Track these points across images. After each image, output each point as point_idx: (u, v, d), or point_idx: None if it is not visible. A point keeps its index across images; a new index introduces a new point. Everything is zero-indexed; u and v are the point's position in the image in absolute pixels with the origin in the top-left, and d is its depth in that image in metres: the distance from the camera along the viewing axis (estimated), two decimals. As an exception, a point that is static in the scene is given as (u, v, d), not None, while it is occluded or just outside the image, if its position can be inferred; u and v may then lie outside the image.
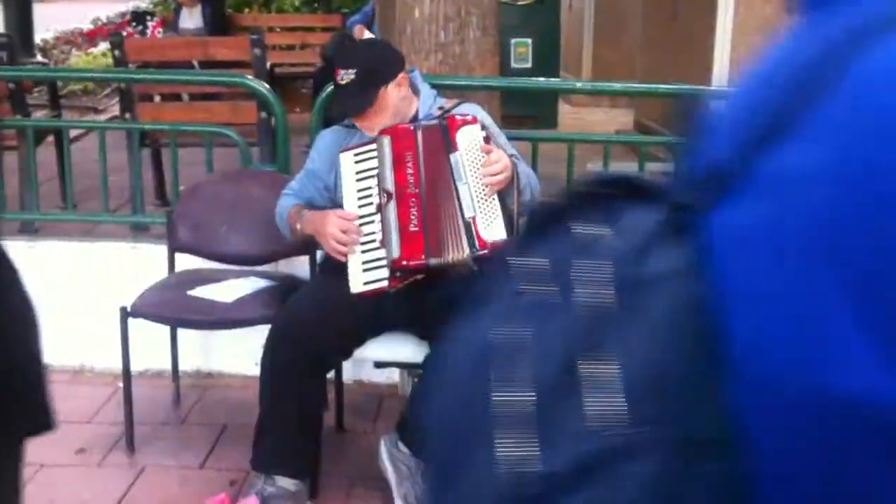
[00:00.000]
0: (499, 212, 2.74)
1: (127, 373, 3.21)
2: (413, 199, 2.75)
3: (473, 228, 2.71)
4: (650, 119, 7.02)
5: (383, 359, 3.07)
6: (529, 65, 7.55)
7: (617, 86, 4.83)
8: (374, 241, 2.80)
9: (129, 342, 3.17)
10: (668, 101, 6.59)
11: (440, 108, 3.01)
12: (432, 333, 2.82)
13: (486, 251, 2.70)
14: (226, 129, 3.96)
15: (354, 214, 2.86)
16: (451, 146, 2.77)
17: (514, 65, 7.49)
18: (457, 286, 2.74)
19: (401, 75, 2.93)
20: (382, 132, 2.83)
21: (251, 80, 4.03)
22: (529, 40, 7.62)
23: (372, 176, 2.84)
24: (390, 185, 2.78)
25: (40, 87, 6.06)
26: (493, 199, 2.75)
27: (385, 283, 2.76)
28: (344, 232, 2.82)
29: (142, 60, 5.24)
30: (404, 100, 2.95)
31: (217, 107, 5.10)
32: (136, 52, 5.12)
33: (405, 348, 2.93)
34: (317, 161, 3.08)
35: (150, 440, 3.33)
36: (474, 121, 2.82)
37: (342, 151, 2.94)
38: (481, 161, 2.75)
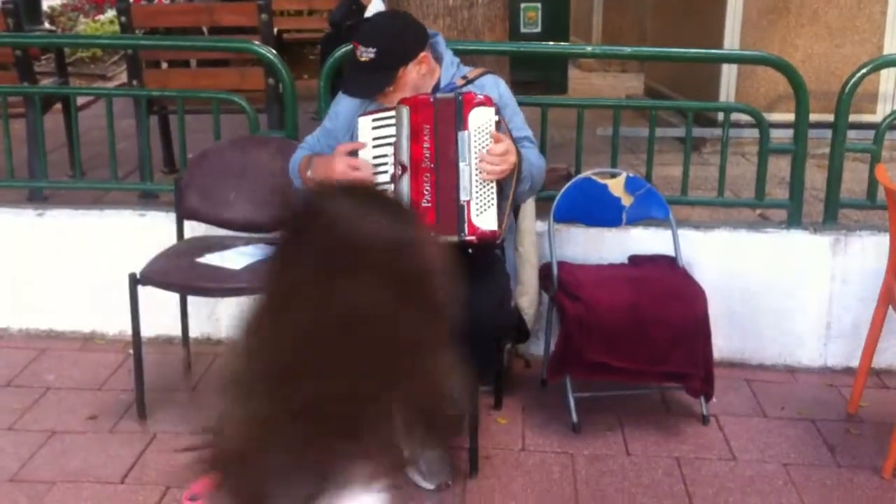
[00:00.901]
0: (494, 201, 2.71)
1: (137, 340, 3.22)
2: (427, 174, 2.71)
3: (466, 213, 2.68)
4: (661, 84, 6.96)
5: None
6: (538, 29, 7.48)
7: (627, 50, 4.78)
8: None
9: (138, 309, 3.18)
10: (678, 66, 6.54)
11: (463, 77, 2.97)
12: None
13: (473, 238, 2.68)
14: (233, 96, 3.93)
15: (362, 143, 2.82)
16: (461, 123, 2.72)
17: (523, 29, 7.42)
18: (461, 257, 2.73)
19: (422, 54, 2.86)
20: (402, 101, 2.79)
21: (258, 46, 4.00)
22: (539, 5, 7.53)
23: (388, 144, 2.80)
24: (406, 157, 2.74)
25: (47, 54, 6.04)
26: (491, 186, 2.72)
27: None
28: (355, 168, 2.78)
29: (149, 27, 5.21)
30: (425, 76, 2.89)
31: (224, 73, 5.08)
32: (143, 18, 5.09)
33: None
34: (334, 121, 3.04)
35: (161, 406, 3.34)
36: (489, 102, 2.76)
37: (361, 115, 2.90)
38: (487, 146, 2.71)
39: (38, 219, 3.92)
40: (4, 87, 4.37)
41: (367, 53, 2.80)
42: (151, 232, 3.72)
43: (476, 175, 2.70)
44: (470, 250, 2.72)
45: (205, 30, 5.57)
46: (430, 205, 2.69)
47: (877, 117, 5.12)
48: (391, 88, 2.84)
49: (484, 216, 2.69)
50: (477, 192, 2.69)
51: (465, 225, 2.68)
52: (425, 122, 2.75)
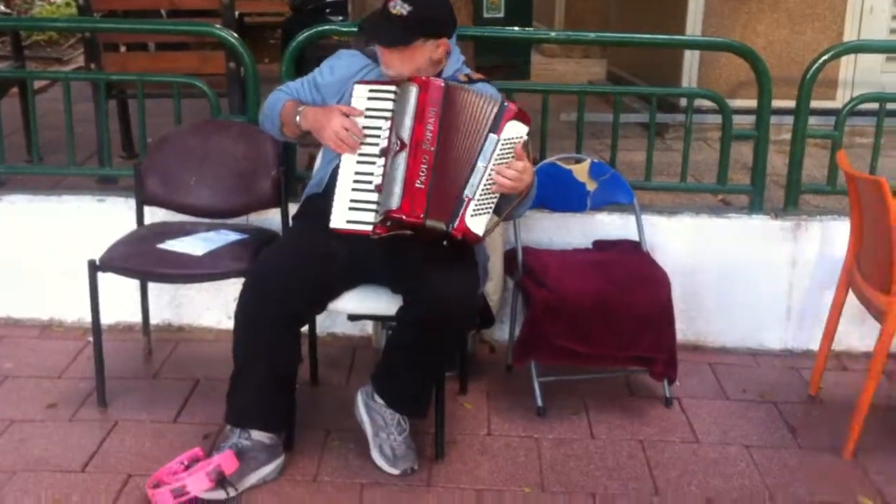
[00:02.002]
0: (490, 210, 2.74)
1: (97, 327, 3.17)
2: (426, 156, 2.69)
3: (463, 208, 2.69)
4: (623, 69, 6.99)
5: (357, 311, 3.04)
6: (501, 14, 7.47)
7: (591, 35, 4.75)
8: (369, 182, 2.75)
9: (98, 296, 3.13)
10: (640, 52, 6.56)
11: (466, 75, 2.96)
12: (406, 287, 2.80)
13: (458, 234, 2.69)
14: (194, 80, 3.88)
15: (360, 111, 2.79)
16: (497, 127, 2.72)
17: (486, 14, 7.41)
18: (433, 245, 2.73)
19: (444, 40, 2.85)
20: (412, 79, 2.76)
21: (220, 30, 3.95)
22: (502, -11, 7.53)
23: (384, 118, 2.77)
24: (406, 135, 2.71)
25: (3, 37, 5.92)
26: (495, 196, 2.74)
27: (369, 228, 2.73)
28: (347, 130, 2.77)
29: (107, 9, 5.12)
30: (434, 64, 2.87)
31: (184, 57, 5.00)
32: (101, 0, 5.00)
33: (379, 301, 2.91)
34: (327, 76, 3.00)
35: (122, 394, 3.30)
36: (527, 121, 2.77)
37: (358, 82, 2.86)
38: (509, 158, 2.72)
39: (-5, 204, 3.85)
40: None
41: (400, 7, 2.77)
42: (111, 217, 3.66)
43: (487, 179, 2.70)
44: (445, 242, 2.71)
45: (163, 12, 5.49)
46: (423, 186, 2.67)
47: (837, 103, 5.18)
48: (403, 51, 2.79)
49: (477, 219, 2.70)
50: (481, 195, 2.70)
51: (457, 220, 2.68)
52: (433, 105, 2.71)
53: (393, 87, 2.79)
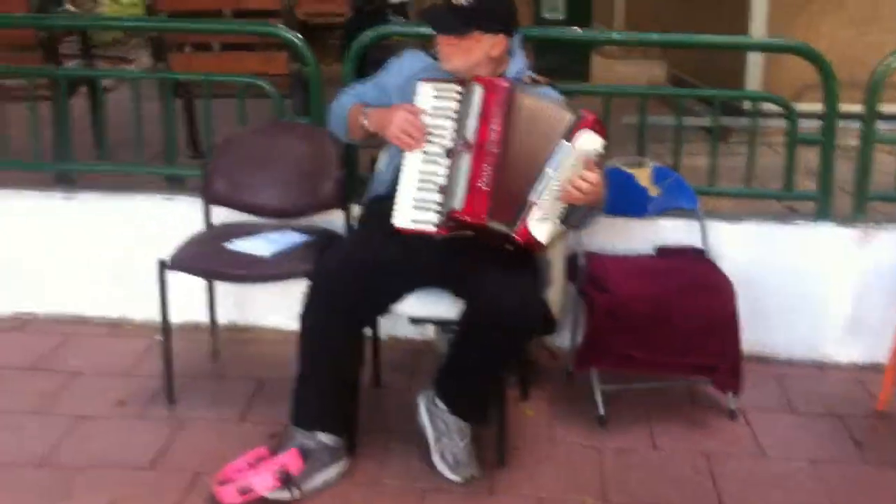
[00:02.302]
0: (556, 218, 2.73)
1: (166, 326, 3.22)
2: (490, 157, 2.69)
3: (526, 213, 2.68)
4: (683, 71, 6.92)
5: (419, 315, 3.05)
6: (561, 16, 7.44)
7: (654, 36, 4.69)
8: (432, 181, 2.76)
9: (167, 295, 3.18)
10: (702, 53, 6.49)
11: (530, 77, 2.97)
12: (467, 291, 2.81)
13: (519, 239, 2.69)
14: (260, 81, 3.92)
15: (424, 109, 2.80)
16: (569, 135, 2.70)
17: (545, 15, 7.38)
18: (496, 249, 2.73)
19: (501, 37, 2.87)
20: (476, 79, 2.76)
21: (284, 30, 3.98)
22: (561, -10, 7.50)
23: (447, 117, 2.77)
24: (471, 135, 2.71)
25: (70, 36, 6.03)
26: (563, 205, 2.73)
27: (433, 228, 2.74)
28: (412, 125, 2.78)
29: (173, 9, 5.19)
30: (491, 62, 2.88)
31: (249, 57, 5.06)
32: (168, 0, 5.07)
33: (441, 304, 2.92)
34: (391, 77, 3.04)
35: (189, 393, 3.35)
36: (604, 135, 2.75)
37: (422, 80, 2.86)
38: (580, 169, 2.70)
39: (66, 202, 3.93)
40: (32, 68, 4.36)
41: None
42: (179, 217, 3.71)
43: (555, 187, 2.69)
44: (508, 247, 2.71)
45: (227, 13, 5.55)
46: (487, 188, 2.67)
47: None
48: (459, 42, 2.83)
49: (541, 226, 2.70)
50: (546, 201, 2.70)
51: (520, 223, 2.68)
52: (498, 106, 2.71)
53: (458, 87, 2.79)
